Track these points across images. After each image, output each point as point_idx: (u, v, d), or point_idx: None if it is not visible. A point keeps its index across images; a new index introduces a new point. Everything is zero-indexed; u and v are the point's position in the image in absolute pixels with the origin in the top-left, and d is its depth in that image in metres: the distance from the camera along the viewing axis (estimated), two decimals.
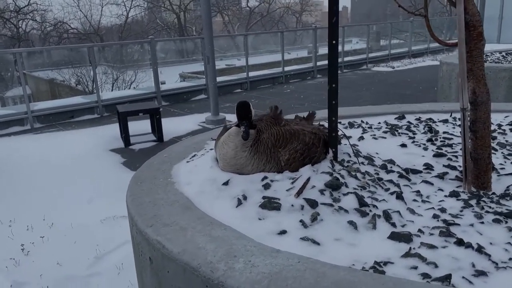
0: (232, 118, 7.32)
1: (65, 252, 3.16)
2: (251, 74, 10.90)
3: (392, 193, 1.48)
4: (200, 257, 1.09)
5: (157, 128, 6.11)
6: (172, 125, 6.76)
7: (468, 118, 1.57)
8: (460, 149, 1.78)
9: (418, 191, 1.54)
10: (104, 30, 30.61)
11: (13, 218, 3.76)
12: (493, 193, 1.54)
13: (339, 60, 12.80)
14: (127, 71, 16.78)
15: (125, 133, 5.92)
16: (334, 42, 1.56)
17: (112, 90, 16.34)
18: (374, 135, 2.19)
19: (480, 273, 1.05)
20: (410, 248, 1.16)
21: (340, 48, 12.90)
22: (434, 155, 1.86)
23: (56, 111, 8.00)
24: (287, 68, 11.72)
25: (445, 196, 1.50)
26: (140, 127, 6.54)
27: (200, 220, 1.30)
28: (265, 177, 1.50)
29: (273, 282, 0.98)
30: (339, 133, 1.77)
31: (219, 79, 9.47)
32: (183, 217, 1.32)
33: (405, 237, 1.21)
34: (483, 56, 1.53)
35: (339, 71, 12.58)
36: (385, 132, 2.22)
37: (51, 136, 6.85)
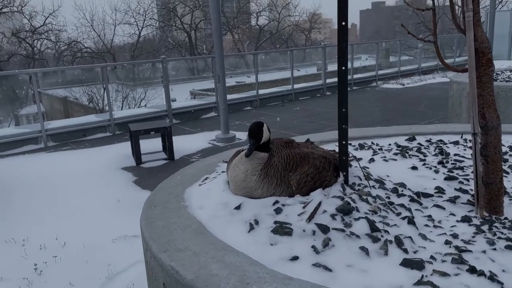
0: (241, 135, 7.36)
1: (77, 272, 3.19)
2: (261, 91, 10.99)
3: (403, 218, 1.49)
4: (213, 284, 1.10)
5: (168, 147, 6.17)
6: (182, 143, 6.82)
7: (479, 143, 1.57)
8: (472, 172, 1.78)
9: (429, 216, 1.54)
10: (117, 48, 31.11)
11: (26, 237, 3.80)
12: (506, 218, 1.53)
13: (348, 77, 12.86)
14: (137, 88, 17.05)
15: (136, 151, 5.99)
16: (343, 68, 1.59)
17: (122, 108, 16.59)
18: (385, 157, 2.19)
19: None
20: (423, 276, 1.16)
21: (349, 64, 12.97)
22: (445, 178, 1.86)
23: (69, 130, 8.13)
24: (296, 86, 11.78)
25: (457, 221, 1.50)
26: (151, 145, 6.61)
27: (212, 245, 1.31)
28: (277, 201, 1.52)
29: None
30: (349, 155, 1.79)
31: (229, 97, 9.55)
32: (196, 242, 1.34)
33: (417, 264, 1.21)
34: (493, 82, 1.54)
35: (348, 88, 12.68)
36: (395, 154, 2.23)
37: (64, 155, 6.95)
